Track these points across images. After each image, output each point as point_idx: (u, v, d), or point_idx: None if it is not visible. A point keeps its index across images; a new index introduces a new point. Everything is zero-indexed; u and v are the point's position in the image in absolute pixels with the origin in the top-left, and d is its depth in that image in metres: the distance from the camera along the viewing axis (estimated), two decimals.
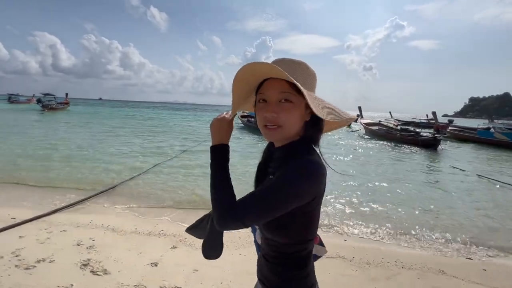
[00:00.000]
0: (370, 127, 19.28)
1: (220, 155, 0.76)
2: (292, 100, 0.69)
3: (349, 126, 28.48)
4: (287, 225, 0.71)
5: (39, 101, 30.61)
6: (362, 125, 20.99)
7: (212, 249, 0.90)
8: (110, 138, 12.17)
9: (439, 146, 13.58)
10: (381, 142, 15.49)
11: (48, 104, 30.26)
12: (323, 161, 0.74)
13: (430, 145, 13.55)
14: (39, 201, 4.32)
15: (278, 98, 0.70)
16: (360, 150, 12.35)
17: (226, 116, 0.81)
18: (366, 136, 18.61)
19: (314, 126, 0.74)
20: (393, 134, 16.49)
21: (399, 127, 17.19)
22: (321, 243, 0.93)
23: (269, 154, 0.85)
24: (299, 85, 0.64)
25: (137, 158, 8.25)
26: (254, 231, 0.88)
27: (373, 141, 15.85)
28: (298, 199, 0.66)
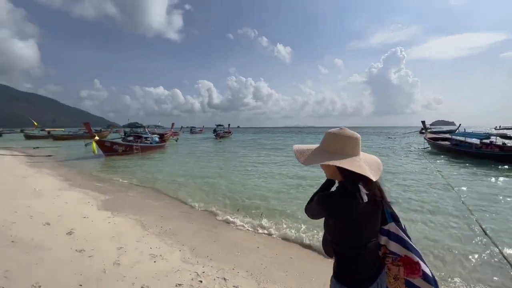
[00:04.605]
0: None
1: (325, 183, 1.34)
2: (322, 167, 1.22)
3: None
4: (328, 230, 1.20)
5: (214, 130, 39.49)
6: None
7: (326, 248, 1.28)
8: None
9: None
10: None
11: (220, 132, 38.70)
12: (354, 198, 1.07)
13: None
14: None
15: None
16: None
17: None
18: None
19: (341, 172, 1.12)
20: None
21: None
22: (426, 279, 1.03)
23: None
24: (306, 165, 1.14)
25: None
26: None
27: None
28: (318, 212, 1.17)
